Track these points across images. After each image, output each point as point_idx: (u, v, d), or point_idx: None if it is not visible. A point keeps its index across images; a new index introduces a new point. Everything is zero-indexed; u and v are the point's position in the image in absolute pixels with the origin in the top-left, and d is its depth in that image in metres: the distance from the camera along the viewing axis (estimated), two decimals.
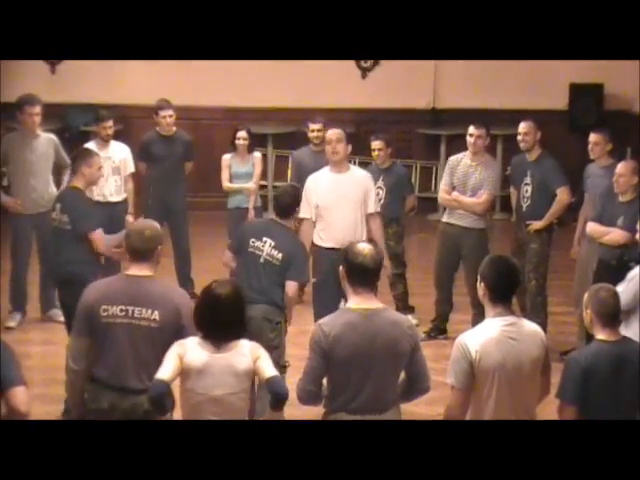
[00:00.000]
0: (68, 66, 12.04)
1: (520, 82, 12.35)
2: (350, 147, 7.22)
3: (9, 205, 8.47)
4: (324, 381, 4.63)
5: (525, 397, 4.57)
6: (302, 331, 7.60)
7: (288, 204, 6.56)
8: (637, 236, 6.20)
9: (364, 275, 4.61)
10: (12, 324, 8.43)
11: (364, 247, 4.66)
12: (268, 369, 4.56)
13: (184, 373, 4.52)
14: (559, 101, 12.26)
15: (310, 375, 4.59)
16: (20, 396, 4.14)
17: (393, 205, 8.46)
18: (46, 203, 8.50)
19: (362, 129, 12.61)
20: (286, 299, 6.48)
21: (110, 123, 8.81)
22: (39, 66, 11.99)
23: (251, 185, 9.17)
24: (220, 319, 4.56)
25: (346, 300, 4.74)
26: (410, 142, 12.62)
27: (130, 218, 8.59)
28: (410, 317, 7.45)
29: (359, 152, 12.01)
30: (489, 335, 4.52)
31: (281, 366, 6.19)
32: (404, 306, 8.61)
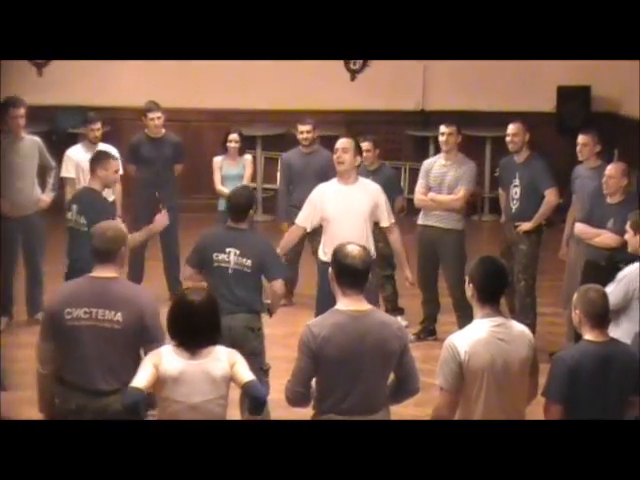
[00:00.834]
0: (56, 68, 12.01)
1: (508, 84, 12.38)
2: (359, 159, 7.15)
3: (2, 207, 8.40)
4: (313, 383, 4.62)
5: (514, 398, 4.57)
6: (292, 333, 7.60)
7: (242, 206, 6.28)
8: (626, 237, 6.21)
9: (353, 277, 4.61)
10: None
11: (353, 248, 4.65)
12: (245, 374, 4.53)
13: (160, 382, 4.48)
14: (547, 103, 12.29)
15: (299, 376, 4.59)
16: None
17: None
18: (31, 205, 8.49)
19: (351, 131, 12.62)
20: (273, 297, 6.43)
21: (98, 125, 8.79)
22: (26, 68, 11.96)
23: None
24: (194, 326, 4.51)
25: None
26: (399, 144, 12.62)
27: (118, 220, 8.57)
28: (399, 318, 7.43)
29: None
30: (478, 336, 4.52)
31: (264, 370, 6.17)
32: (393, 307, 8.61)
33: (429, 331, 8.44)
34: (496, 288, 4.61)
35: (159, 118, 9.15)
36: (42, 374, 4.93)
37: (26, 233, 8.38)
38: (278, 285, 6.33)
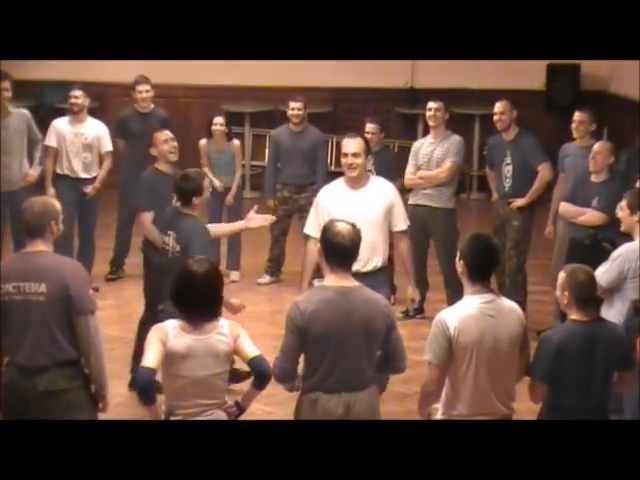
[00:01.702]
0: None
1: (497, 62, 12.33)
2: (371, 159, 6.32)
3: None
4: (301, 360, 4.63)
5: (503, 374, 4.58)
6: (278, 310, 7.61)
7: (189, 190, 5.97)
8: (619, 215, 6.19)
9: (342, 255, 4.60)
10: None
11: (343, 227, 4.64)
12: (250, 348, 4.55)
13: (168, 358, 4.48)
14: (536, 81, 12.28)
15: (285, 353, 4.59)
16: None
17: None
18: (18, 181, 8.43)
19: (339, 108, 12.59)
20: None
21: (77, 93, 8.69)
22: None
23: (233, 189, 9.10)
24: (196, 296, 4.52)
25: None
26: (388, 121, 12.58)
27: (88, 189, 8.59)
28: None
29: (336, 132, 12.02)
30: (468, 312, 4.53)
31: None
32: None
33: (417, 309, 8.44)
34: (487, 265, 4.62)
35: (147, 91, 9.09)
36: None
37: (14, 208, 8.33)
38: None
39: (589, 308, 4.73)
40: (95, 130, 8.80)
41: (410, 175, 8.29)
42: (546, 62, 12.24)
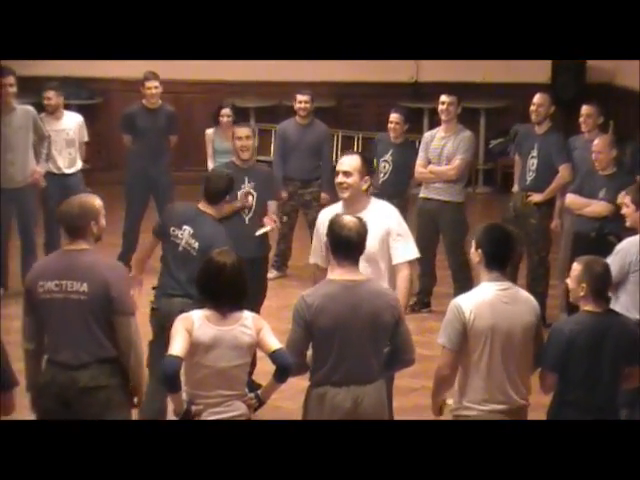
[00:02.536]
0: None
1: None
2: (368, 180, 5.40)
3: None
4: (309, 353, 4.62)
5: (518, 363, 4.59)
6: (285, 305, 7.59)
7: (219, 190, 6.02)
8: (624, 210, 6.17)
9: (349, 248, 4.61)
10: None
11: (349, 220, 4.65)
12: (272, 341, 4.57)
13: (193, 348, 4.51)
14: (541, 74, 12.24)
15: (293, 347, 4.60)
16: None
17: (397, 183, 8.48)
18: (24, 178, 8.41)
19: (344, 103, 12.56)
20: None
21: (50, 94, 8.72)
22: None
23: None
24: (223, 286, 4.55)
25: None
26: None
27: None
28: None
29: (341, 126, 12.01)
30: (483, 297, 4.56)
31: None
32: None
33: (424, 303, 8.43)
34: (504, 254, 4.65)
35: (156, 88, 9.13)
36: (26, 350, 4.91)
37: (20, 205, 8.32)
38: None
39: (603, 299, 4.74)
40: (74, 122, 8.86)
41: (420, 169, 8.27)
42: None
